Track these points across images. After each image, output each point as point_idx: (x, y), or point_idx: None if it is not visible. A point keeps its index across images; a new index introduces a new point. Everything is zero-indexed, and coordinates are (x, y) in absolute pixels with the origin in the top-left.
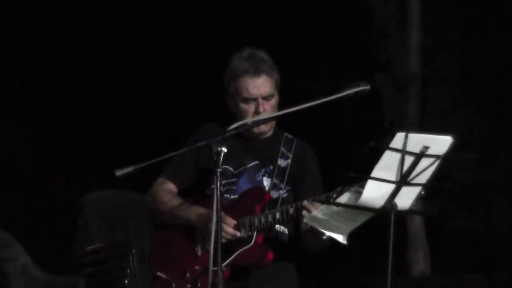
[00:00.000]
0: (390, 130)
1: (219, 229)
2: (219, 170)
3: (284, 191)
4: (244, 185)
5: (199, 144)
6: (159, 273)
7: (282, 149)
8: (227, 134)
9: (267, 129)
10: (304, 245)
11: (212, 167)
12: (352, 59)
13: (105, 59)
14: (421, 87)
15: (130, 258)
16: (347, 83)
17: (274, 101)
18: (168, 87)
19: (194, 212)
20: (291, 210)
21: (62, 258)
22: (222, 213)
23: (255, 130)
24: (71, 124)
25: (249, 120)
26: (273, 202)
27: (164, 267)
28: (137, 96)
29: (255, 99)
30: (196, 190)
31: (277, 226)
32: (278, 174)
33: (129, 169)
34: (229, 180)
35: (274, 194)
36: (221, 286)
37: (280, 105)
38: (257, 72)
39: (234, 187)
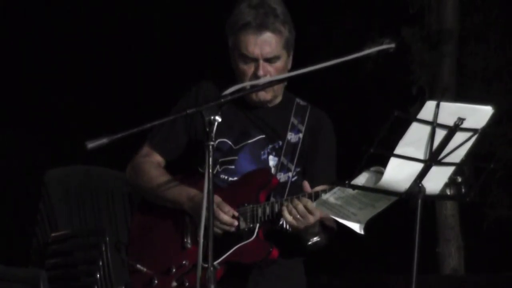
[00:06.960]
0: (419, 98)
1: (211, 217)
2: (212, 143)
3: (294, 174)
4: (245, 164)
5: (188, 111)
6: (138, 266)
7: (293, 119)
8: (222, 100)
9: (268, 97)
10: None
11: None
12: (375, 9)
13: (76, 12)
14: (458, 46)
15: (103, 248)
16: (368, 39)
17: (281, 63)
18: (153, 36)
19: (184, 193)
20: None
21: (21, 247)
22: (219, 199)
23: (253, 97)
24: (33, 84)
25: (247, 83)
26: (281, 187)
27: (144, 259)
28: (116, 50)
29: (255, 60)
30: (187, 166)
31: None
32: (287, 152)
33: (103, 140)
34: (226, 158)
35: (281, 177)
36: (213, 286)
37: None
38: (260, 27)
39: (232, 167)
